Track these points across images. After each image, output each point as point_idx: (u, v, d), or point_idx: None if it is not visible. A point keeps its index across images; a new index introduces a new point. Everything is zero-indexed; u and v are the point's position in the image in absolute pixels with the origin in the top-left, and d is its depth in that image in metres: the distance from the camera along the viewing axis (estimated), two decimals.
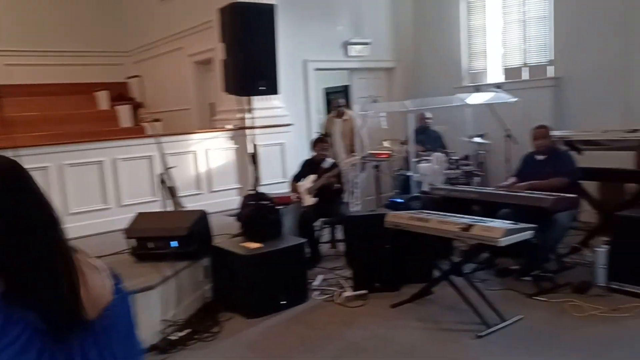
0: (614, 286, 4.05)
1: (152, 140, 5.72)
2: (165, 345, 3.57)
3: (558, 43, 6.56)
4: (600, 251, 4.15)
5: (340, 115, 6.88)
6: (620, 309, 3.75)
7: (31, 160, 4.84)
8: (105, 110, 8.23)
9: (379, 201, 6.21)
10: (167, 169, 5.06)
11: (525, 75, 7.06)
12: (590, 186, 5.24)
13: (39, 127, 6.40)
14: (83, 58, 8.97)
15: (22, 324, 1.03)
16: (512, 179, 4.85)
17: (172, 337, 3.65)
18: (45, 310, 1.05)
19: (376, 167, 6.18)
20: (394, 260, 4.39)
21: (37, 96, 7.55)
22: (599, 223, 4.96)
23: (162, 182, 5.01)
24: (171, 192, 5.02)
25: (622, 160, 5.02)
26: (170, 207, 5.07)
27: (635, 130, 4.73)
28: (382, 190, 6.45)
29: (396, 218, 4.04)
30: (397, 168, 6.57)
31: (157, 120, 5.66)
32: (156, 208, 5.21)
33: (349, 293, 4.31)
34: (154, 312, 3.70)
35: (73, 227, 5.35)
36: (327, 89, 9.41)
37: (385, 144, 6.21)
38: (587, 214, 5.05)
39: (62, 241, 1.10)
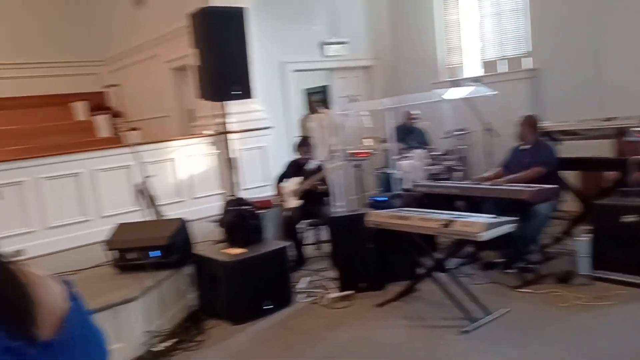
0: (597, 275, 4.07)
1: (128, 149, 5.65)
2: (149, 357, 3.52)
3: (535, 34, 6.60)
4: (582, 240, 4.17)
5: (314, 111, 6.92)
6: (603, 297, 3.77)
7: (5, 175, 4.77)
8: (82, 121, 8.12)
9: (362, 200, 6.19)
10: (145, 177, 4.99)
11: (502, 68, 7.10)
12: (571, 176, 5.27)
13: (13, 141, 6.30)
14: (58, 69, 8.84)
15: None
16: (496, 170, 4.88)
17: (157, 349, 3.60)
18: (5, 323, 1.02)
19: (357, 166, 6.17)
20: (378, 260, 4.37)
21: (11, 109, 7.42)
22: (580, 212, 4.99)
23: (141, 191, 4.93)
24: (151, 201, 4.95)
25: (601, 149, 5.06)
26: (151, 217, 5.00)
27: (610, 119, 4.77)
28: (365, 189, 6.44)
29: (377, 217, 4.03)
30: (378, 166, 6.56)
31: (134, 129, 5.59)
32: (138, 218, 5.13)
33: (334, 294, 4.28)
34: (136, 324, 3.64)
35: (53, 241, 5.32)
36: (308, 89, 9.38)
37: (366, 142, 6.19)
38: (569, 203, 5.08)
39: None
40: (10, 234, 4.91)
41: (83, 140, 7.02)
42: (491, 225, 3.36)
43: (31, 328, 1.06)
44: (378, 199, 5.16)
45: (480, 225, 3.33)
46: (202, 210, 6.09)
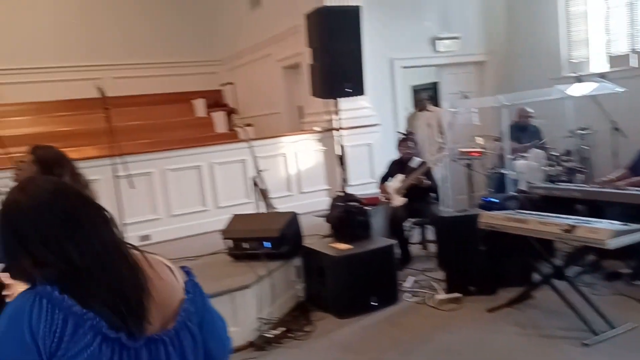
0: None
1: (244, 144, 5.95)
2: (261, 343, 3.69)
3: None
4: None
5: (422, 109, 6.77)
6: None
7: (137, 166, 5.22)
8: (201, 117, 8.68)
9: (471, 201, 5.99)
10: (258, 172, 5.23)
11: (633, 62, 6.50)
12: None
13: (142, 135, 6.88)
14: (181, 69, 9.53)
15: (93, 331, 1.04)
16: (622, 171, 4.49)
17: (268, 335, 3.77)
18: (111, 312, 1.05)
19: (468, 165, 5.97)
20: (489, 263, 4.22)
21: (140, 106, 8.11)
22: None
23: (255, 184, 5.18)
24: (263, 194, 5.18)
25: None
26: (262, 209, 5.24)
27: None
28: (475, 189, 6.22)
29: (491, 219, 3.88)
30: (490, 166, 6.31)
31: (249, 125, 5.88)
32: (250, 209, 5.41)
33: (442, 296, 4.20)
34: (250, 310, 3.84)
35: (175, 228, 5.75)
36: (415, 86, 9.25)
37: (478, 140, 5.98)
38: None
39: (118, 242, 1.13)
40: (139, 220, 5.38)
41: (202, 135, 7.50)
42: (620, 233, 3.11)
43: (138, 321, 1.09)
44: (490, 200, 4.97)
45: (607, 232, 3.09)
46: (308, 205, 6.25)
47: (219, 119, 8.45)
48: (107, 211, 1.16)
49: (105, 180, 4.88)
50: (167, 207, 5.80)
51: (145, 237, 5.51)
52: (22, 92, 8.19)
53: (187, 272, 1.26)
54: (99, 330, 1.03)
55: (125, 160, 4.77)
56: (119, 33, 9.07)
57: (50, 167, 3.09)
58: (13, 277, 1.13)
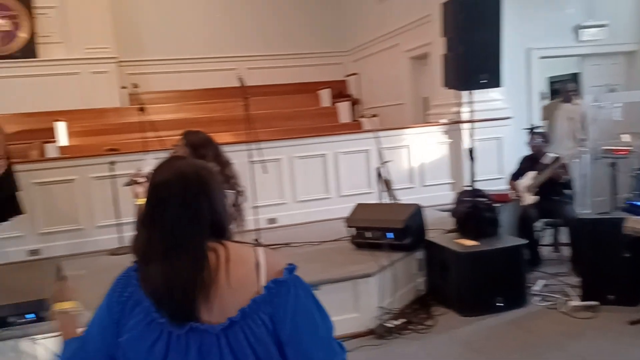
0: None
1: (368, 135, 6.00)
2: (382, 332, 3.74)
3: None
4: None
5: (567, 100, 6.29)
6: None
7: (269, 152, 5.49)
8: (326, 107, 8.88)
9: (613, 203, 5.50)
10: (383, 162, 5.25)
11: None
12: None
13: (272, 124, 7.21)
14: (308, 60, 9.82)
15: (145, 312, 1.15)
16: None
17: (388, 325, 3.80)
18: (158, 299, 1.14)
19: (612, 164, 5.48)
20: (634, 271, 3.86)
21: (270, 95, 8.50)
22: None
23: (379, 175, 5.21)
24: (387, 185, 5.20)
25: None
26: (385, 200, 5.26)
27: None
28: (618, 191, 5.70)
29: (639, 224, 3.55)
30: (637, 166, 5.73)
31: (375, 115, 5.91)
32: (372, 199, 5.46)
33: (576, 302, 3.94)
34: (371, 299, 3.90)
35: (300, 214, 5.99)
36: (552, 78, 8.66)
37: (624, 138, 5.45)
38: None
39: (196, 235, 1.17)
40: (268, 204, 5.67)
41: (327, 124, 7.69)
42: None
43: (180, 313, 1.13)
44: (636, 203, 4.53)
45: None
46: (430, 198, 6.14)
47: (344, 109, 8.60)
48: (200, 206, 1.20)
49: (241, 164, 5.20)
50: (293, 192, 6.05)
51: (272, 220, 5.80)
52: (169, 81, 8.99)
53: (290, 268, 1.21)
54: (149, 312, 1.15)
55: (260, 147, 5.05)
56: (254, 26, 9.57)
57: (197, 148, 3.45)
58: None
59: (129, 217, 5.18)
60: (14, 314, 3.26)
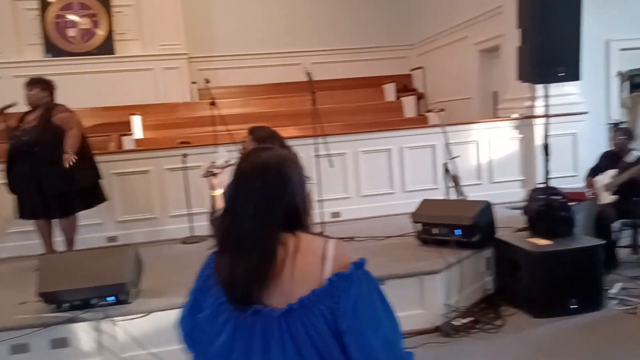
0: None
1: (435, 129, 5.90)
2: (448, 329, 3.69)
3: None
4: None
5: None
6: None
7: (334, 147, 5.52)
8: (391, 101, 8.81)
9: None
10: (451, 158, 5.16)
11: None
12: None
13: (337, 118, 7.23)
14: (372, 54, 9.78)
15: (217, 294, 1.23)
16: None
17: (455, 323, 3.74)
18: (224, 287, 1.21)
19: None
20: None
21: (334, 90, 8.53)
22: None
23: (446, 170, 5.12)
24: (454, 181, 5.10)
25: None
26: (452, 196, 5.16)
27: None
28: None
29: None
30: None
31: (442, 110, 5.80)
32: (436, 196, 5.38)
33: None
34: (438, 296, 3.85)
35: (364, 208, 5.98)
36: (631, 71, 8.15)
37: None
38: None
39: (273, 239, 1.18)
40: (332, 198, 5.70)
41: (392, 119, 7.62)
42: None
43: (242, 301, 1.17)
44: None
45: None
46: (499, 195, 5.96)
47: (409, 104, 8.50)
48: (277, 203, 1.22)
49: (307, 158, 5.28)
50: (358, 187, 6.05)
51: (335, 214, 5.84)
52: (235, 76, 9.22)
53: (359, 263, 1.21)
54: (220, 295, 1.21)
55: (327, 141, 5.09)
56: (320, 21, 9.64)
57: (263, 142, 3.54)
58: None
59: (200, 207, 5.40)
60: (96, 296, 3.46)
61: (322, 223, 4.82)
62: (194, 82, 8.87)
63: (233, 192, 1.26)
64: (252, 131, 3.65)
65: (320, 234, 1.32)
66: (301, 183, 1.27)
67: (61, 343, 3.40)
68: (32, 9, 8.38)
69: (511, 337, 3.62)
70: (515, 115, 6.31)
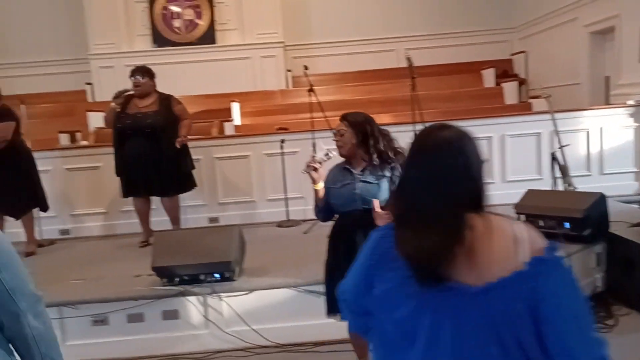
0: None
1: (540, 117, 5.58)
2: None
3: None
4: None
5: None
6: None
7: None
8: (490, 87, 8.43)
9: None
10: (561, 146, 4.86)
11: None
12: None
13: (433, 105, 7.02)
14: (470, 38, 9.40)
15: (400, 268, 1.20)
16: None
17: None
18: (408, 263, 1.18)
19: None
20: None
21: (430, 76, 8.29)
22: None
23: (554, 159, 4.84)
24: (563, 171, 4.81)
25: None
26: (559, 187, 4.87)
27: None
28: None
29: None
30: None
31: (549, 96, 5.46)
32: (540, 187, 5.08)
33: None
34: None
35: (504, 194, 5.75)
36: None
37: None
38: None
39: (457, 216, 1.15)
40: None
41: (492, 106, 7.30)
42: None
43: (425, 277, 1.15)
44: None
45: None
46: (609, 188, 5.51)
47: (510, 90, 8.08)
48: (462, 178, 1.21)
49: (404, 146, 5.19)
50: (503, 172, 5.86)
51: None
52: (328, 64, 9.26)
53: (552, 248, 1.19)
54: (404, 269, 1.19)
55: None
56: (415, 6, 9.43)
57: (361, 125, 3.50)
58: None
59: (295, 192, 5.52)
60: (203, 272, 3.66)
61: None
62: (289, 70, 9.03)
63: (411, 169, 1.27)
64: (345, 117, 3.65)
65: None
66: (479, 161, 1.26)
67: (172, 315, 3.64)
68: (142, 1, 8.92)
69: (624, 337, 3.39)
70: (631, 102, 5.82)
